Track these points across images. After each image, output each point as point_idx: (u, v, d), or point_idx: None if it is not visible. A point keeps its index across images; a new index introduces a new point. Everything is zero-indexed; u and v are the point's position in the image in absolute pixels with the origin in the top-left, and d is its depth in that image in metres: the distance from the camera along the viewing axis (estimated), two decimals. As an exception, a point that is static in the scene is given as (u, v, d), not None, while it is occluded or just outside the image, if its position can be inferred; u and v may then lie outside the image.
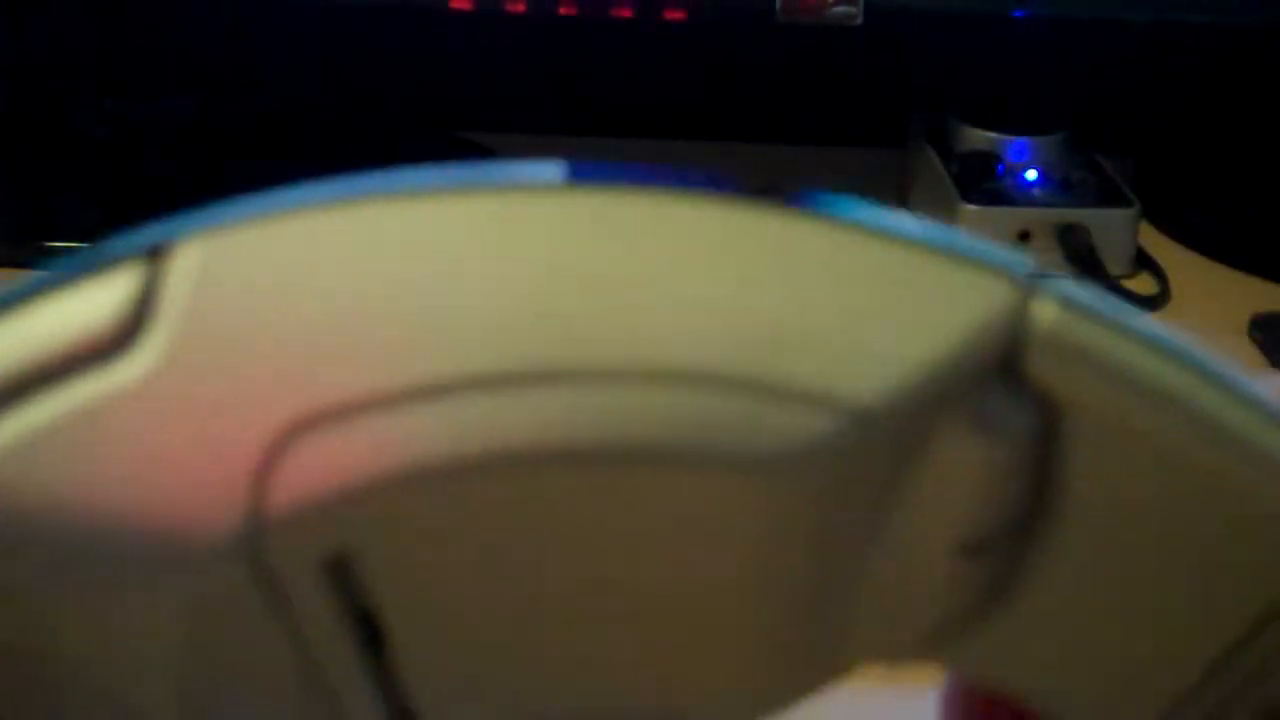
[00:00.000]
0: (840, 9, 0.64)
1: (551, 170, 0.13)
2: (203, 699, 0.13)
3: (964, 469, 0.12)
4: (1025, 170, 0.69)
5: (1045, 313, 0.13)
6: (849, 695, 0.44)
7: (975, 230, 0.66)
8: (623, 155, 0.79)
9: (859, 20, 0.64)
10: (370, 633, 0.13)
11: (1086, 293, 0.13)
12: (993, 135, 0.70)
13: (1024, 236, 0.66)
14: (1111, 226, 0.66)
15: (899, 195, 0.74)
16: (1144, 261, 0.68)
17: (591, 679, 0.14)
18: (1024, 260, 0.13)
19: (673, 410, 0.12)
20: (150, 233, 0.13)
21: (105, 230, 0.59)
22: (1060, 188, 0.68)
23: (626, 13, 0.65)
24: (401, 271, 0.12)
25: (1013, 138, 0.69)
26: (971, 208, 0.66)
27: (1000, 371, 0.13)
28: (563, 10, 0.65)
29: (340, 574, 0.13)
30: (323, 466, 0.12)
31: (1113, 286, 0.65)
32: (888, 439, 0.12)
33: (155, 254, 0.13)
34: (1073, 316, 0.13)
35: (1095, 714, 0.14)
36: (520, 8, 0.65)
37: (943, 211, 0.68)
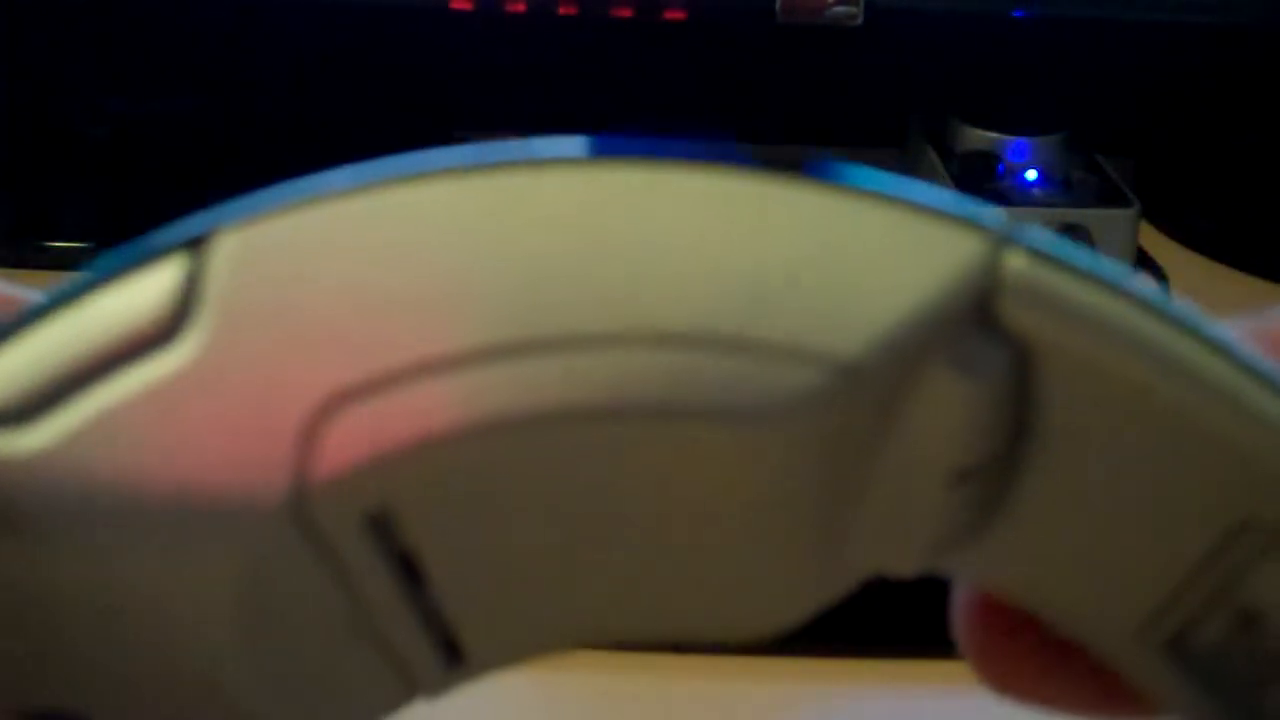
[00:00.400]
0: (840, 9, 0.64)
1: (572, 145, 0.14)
2: (259, 646, 0.14)
3: (947, 404, 0.14)
4: (1025, 170, 0.69)
5: (1016, 262, 0.14)
6: (851, 695, 0.44)
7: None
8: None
9: (859, 20, 0.64)
10: (413, 573, 0.15)
11: (1055, 242, 0.14)
12: (993, 135, 0.70)
13: (1024, 236, 0.66)
14: (1111, 226, 0.66)
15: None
16: (1144, 261, 0.68)
17: (624, 603, 0.15)
18: (996, 213, 0.14)
19: (670, 369, 0.13)
20: (191, 224, 0.14)
21: (105, 230, 0.59)
22: (1060, 188, 0.68)
23: (626, 13, 0.65)
24: (422, 248, 0.14)
25: (1013, 138, 0.69)
26: (971, 208, 0.66)
27: (975, 317, 0.14)
28: (563, 10, 0.65)
29: (382, 524, 0.14)
30: (360, 435, 0.13)
31: (1113, 286, 0.65)
32: (873, 386, 0.14)
33: (196, 244, 0.14)
34: (1041, 265, 0.14)
35: (1086, 615, 0.16)
36: (520, 8, 0.65)
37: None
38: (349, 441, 0.13)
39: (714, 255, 0.14)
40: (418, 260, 0.14)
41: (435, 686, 0.16)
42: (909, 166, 0.73)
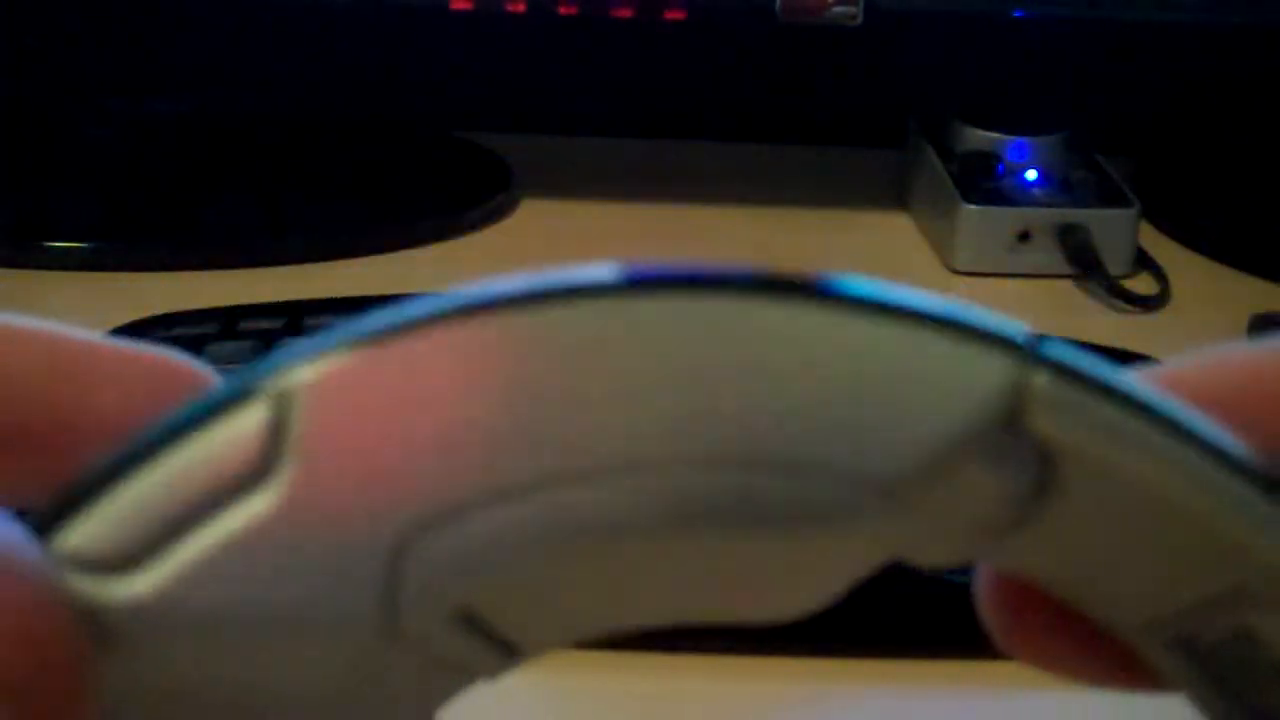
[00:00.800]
0: (840, 9, 0.64)
1: (613, 272, 0.15)
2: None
3: (977, 489, 0.15)
4: (1025, 170, 0.69)
5: (1041, 380, 0.15)
6: (851, 695, 0.44)
7: (975, 230, 0.66)
8: (623, 155, 0.79)
9: (859, 20, 0.64)
10: (485, 631, 0.16)
11: (1074, 355, 0.15)
12: (993, 135, 0.70)
13: (1024, 236, 0.66)
14: (1111, 226, 0.66)
15: (899, 195, 0.74)
16: (1144, 261, 0.68)
17: (668, 596, 0.17)
18: (1021, 328, 0.15)
19: (725, 491, 0.15)
20: (273, 363, 0.15)
21: (105, 230, 0.59)
22: (1060, 188, 0.68)
23: (626, 13, 0.65)
24: (490, 382, 0.15)
25: (1013, 138, 0.69)
26: (971, 208, 0.66)
27: (1005, 426, 0.15)
28: (563, 10, 0.65)
29: (465, 618, 0.16)
30: (441, 560, 0.15)
31: (1113, 286, 0.65)
32: (914, 496, 0.15)
33: (278, 387, 0.15)
34: (1063, 382, 0.15)
35: (1101, 608, 0.17)
36: (520, 8, 0.65)
37: (943, 211, 0.68)
38: (431, 566, 0.15)
39: (760, 384, 0.15)
40: (486, 394, 0.15)
41: (492, 676, 0.17)
42: (909, 166, 0.73)
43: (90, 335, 0.18)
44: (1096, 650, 0.17)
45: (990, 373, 0.15)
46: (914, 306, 0.15)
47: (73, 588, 0.14)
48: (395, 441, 0.15)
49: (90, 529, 0.15)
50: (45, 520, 0.15)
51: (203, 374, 0.18)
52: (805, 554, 0.16)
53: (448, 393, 0.15)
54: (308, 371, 0.15)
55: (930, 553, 0.16)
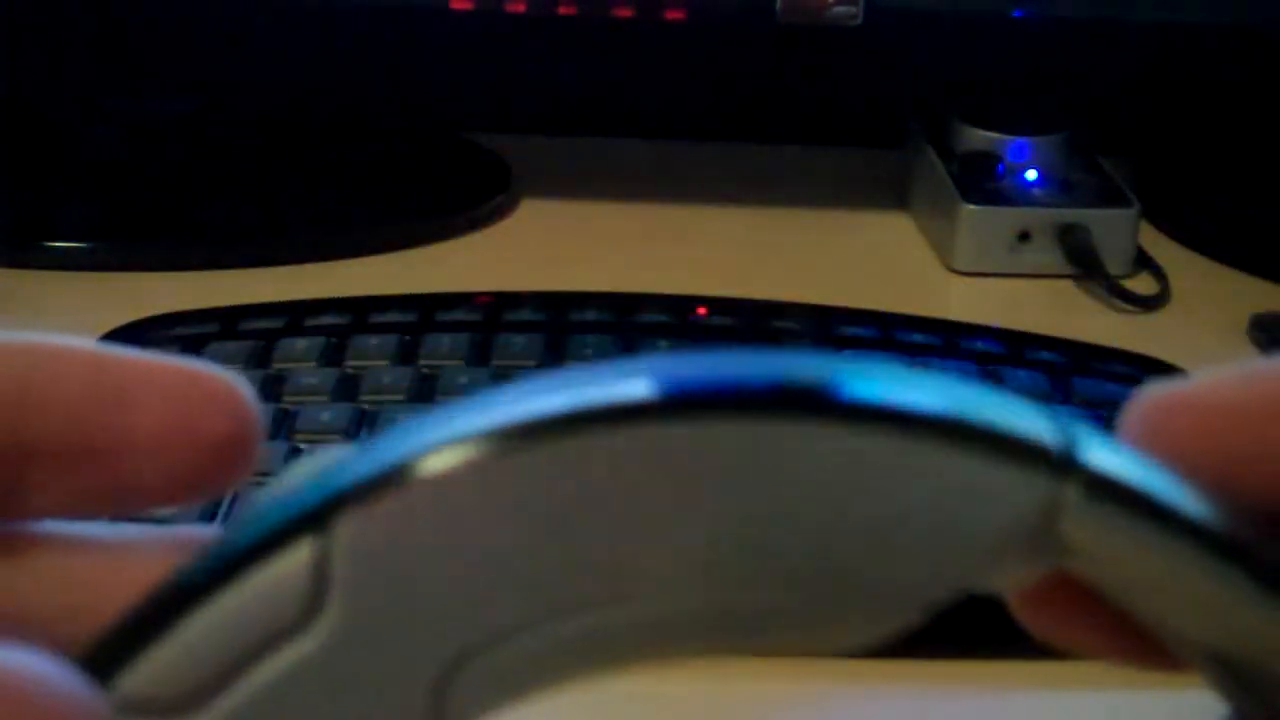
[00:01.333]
0: (840, 9, 0.64)
1: (639, 386, 0.15)
2: None
3: (1006, 569, 0.16)
4: (1025, 170, 0.69)
5: (1073, 495, 0.15)
6: (851, 695, 0.44)
7: (975, 230, 0.66)
8: (623, 155, 0.79)
9: (859, 20, 0.64)
10: None
11: (1109, 457, 0.16)
12: (993, 135, 0.70)
13: (1024, 236, 0.66)
14: (1111, 226, 0.66)
15: (899, 195, 0.74)
16: (1144, 261, 0.68)
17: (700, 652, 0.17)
18: (1053, 429, 0.15)
19: (771, 608, 0.15)
20: (315, 496, 0.15)
21: (105, 230, 0.59)
22: (1060, 188, 0.68)
23: (626, 13, 0.65)
24: (530, 510, 0.15)
25: (1013, 138, 0.69)
26: (971, 208, 0.66)
27: (1039, 528, 0.16)
28: (563, 10, 0.65)
29: None
30: (484, 684, 0.15)
31: (1113, 287, 0.65)
32: (945, 598, 0.16)
33: (319, 527, 0.15)
34: (1097, 497, 0.15)
35: (1134, 612, 0.17)
36: (520, 8, 0.65)
37: (943, 211, 0.68)
38: (474, 690, 0.15)
39: (792, 507, 0.15)
40: (525, 524, 0.15)
41: None
42: (909, 167, 0.73)
43: (128, 352, 0.18)
44: (1124, 634, 0.17)
45: (1024, 490, 0.15)
46: (944, 417, 0.15)
47: None
48: (437, 574, 0.15)
49: (144, 673, 0.15)
50: (98, 662, 0.15)
51: (238, 388, 0.18)
52: (838, 642, 0.16)
53: (486, 523, 0.15)
54: (349, 507, 0.15)
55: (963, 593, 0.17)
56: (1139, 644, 0.17)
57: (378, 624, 0.15)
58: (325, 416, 0.50)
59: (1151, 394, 0.17)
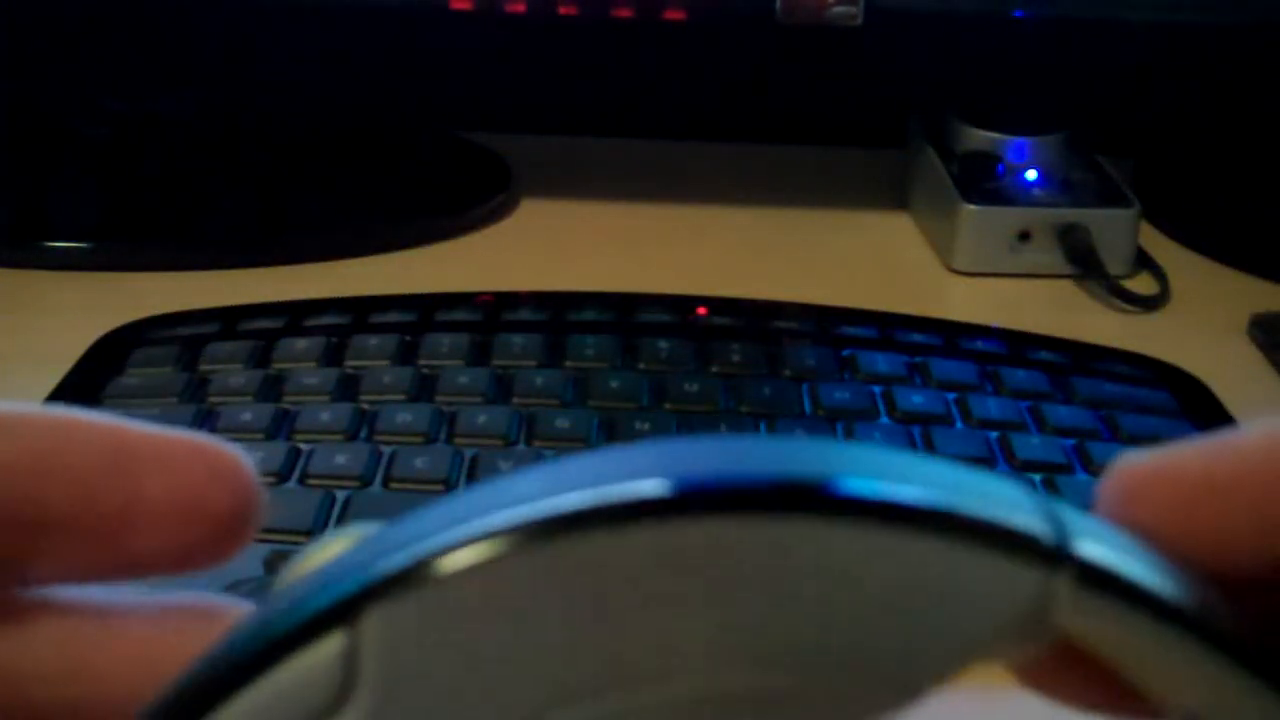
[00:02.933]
0: (840, 9, 0.64)
1: (653, 485, 0.15)
2: None
3: (999, 655, 0.17)
4: (1025, 170, 0.69)
5: (1066, 586, 0.16)
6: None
7: (975, 230, 0.66)
8: (623, 155, 0.79)
9: (859, 20, 0.64)
10: None
11: (1101, 547, 0.16)
12: (993, 135, 0.70)
13: (1024, 236, 0.66)
14: (1111, 226, 0.66)
15: (899, 195, 0.74)
16: (1144, 261, 0.68)
17: None
18: (1047, 518, 0.16)
19: (777, 690, 0.16)
20: (338, 589, 0.15)
21: (105, 230, 0.59)
22: (1060, 188, 0.68)
23: (626, 13, 0.65)
24: (557, 603, 0.15)
25: (1013, 138, 0.69)
26: (971, 208, 0.66)
27: (1030, 619, 0.16)
28: (563, 10, 0.65)
29: None
30: None
31: (1113, 287, 0.65)
32: (939, 684, 0.16)
33: (348, 620, 0.15)
34: (1090, 588, 0.16)
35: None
36: (520, 8, 0.65)
37: (943, 211, 0.68)
38: None
39: (798, 599, 0.15)
40: (550, 616, 0.15)
41: None
42: (909, 166, 0.73)
43: (137, 425, 0.18)
44: (1112, 689, 0.18)
45: (1018, 582, 0.16)
46: (938, 509, 0.16)
47: None
48: (463, 666, 0.15)
49: None
50: None
51: (242, 463, 0.19)
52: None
53: (512, 615, 0.15)
54: (377, 600, 0.15)
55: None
56: (1126, 698, 0.18)
57: (405, 716, 0.15)
58: (325, 416, 0.50)
59: (1126, 465, 0.18)
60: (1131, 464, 0.18)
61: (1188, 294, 0.66)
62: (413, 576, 0.15)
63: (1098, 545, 0.16)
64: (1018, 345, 0.58)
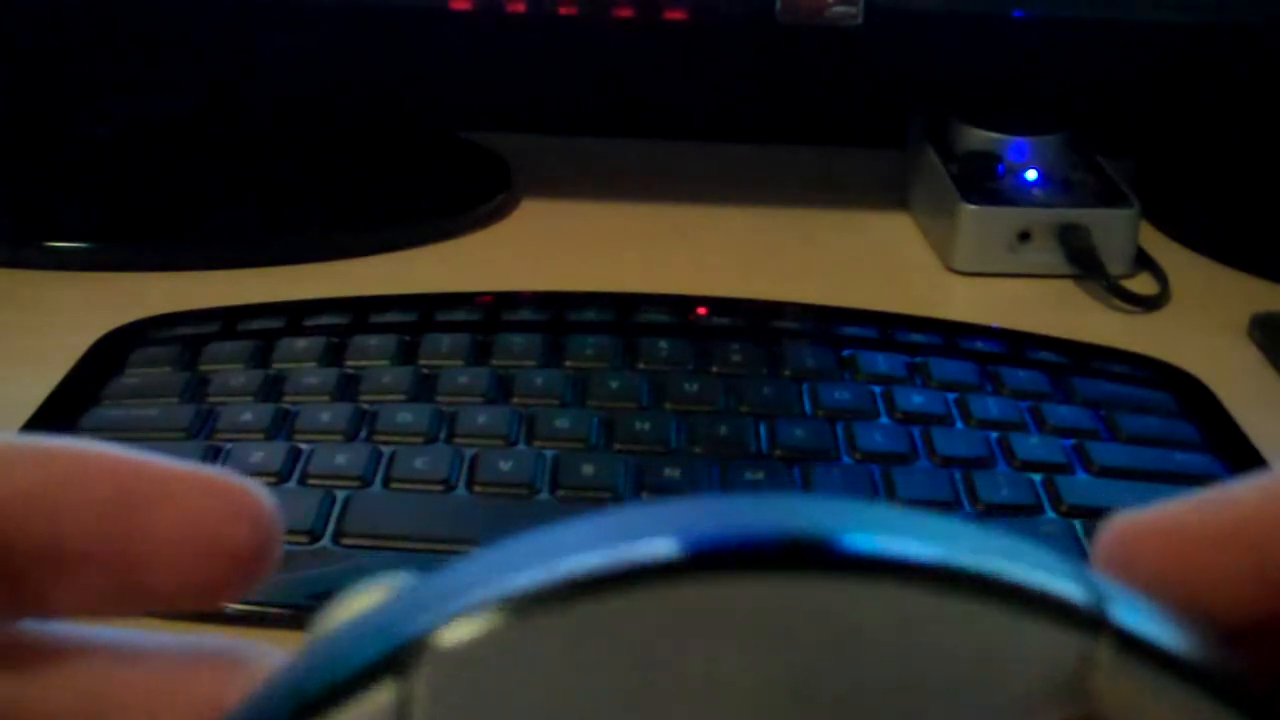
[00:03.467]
0: (840, 9, 0.64)
1: (667, 546, 0.15)
2: None
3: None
4: (1025, 170, 0.69)
5: (1105, 655, 0.16)
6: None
7: (975, 230, 0.66)
8: (623, 155, 0.79)
9: (859, 20, 0.64)
10: None
11: (1136, 614, 0.16)
12: (993, 135, 0.70)
13: (1024, 236, 0.66)
14: (1111, 226, 0.66)
15: (899, 195, 0.74)
16: (1144, 261, 0.68)
17: None
18: (1083, 584, 0.16)
19: None
20: (387, 639, 0.15)
21: (105, 230, 0.59)
22: (1060, 188, 0.68)
23: (626, 13, 0.65)
24: (609, 658, 0.15)
25: (1013, 138, 0.69)
26: (971, 208, 0.66)
27: (1067, 688, 0.16)
28: (563, 10, 0.65)
29: None
30: None
31: (1113, 287, 0.65)
32: None
33: (401, 669, 0.15)
34: (1125, 655, 0.16)
35: None
36: (520, 8, 0.65)
37: (943, 211, 0.68)
38: None
39: (821, 663, 0.15)
40: (593, 673, 0.15)
41: None
42: (909, 166, 0.73)
43: (152, 457, 0.18)
44: None
45: (1058, 646, 0.15)
46: (975, 569, 0.15)
47: None
48: (518, 716, 0.15)
49: None
50: None
51: (259, 498, 0.18)
52: None
53: (556, 672, 0.15)
54: (430, 651, 0.15)
55: None
56: None
57: None
58: (325, 416, 0.50)
59: (1121, 522, 0.18)
60: (1128, 521, 0.18)
61: (1188, 294, 0.66)
62: (468, 628, 0.15)
63: (1133, 611, 0.16)
64: (1018, 345, 0.58)
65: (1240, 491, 0.18)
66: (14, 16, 0.78)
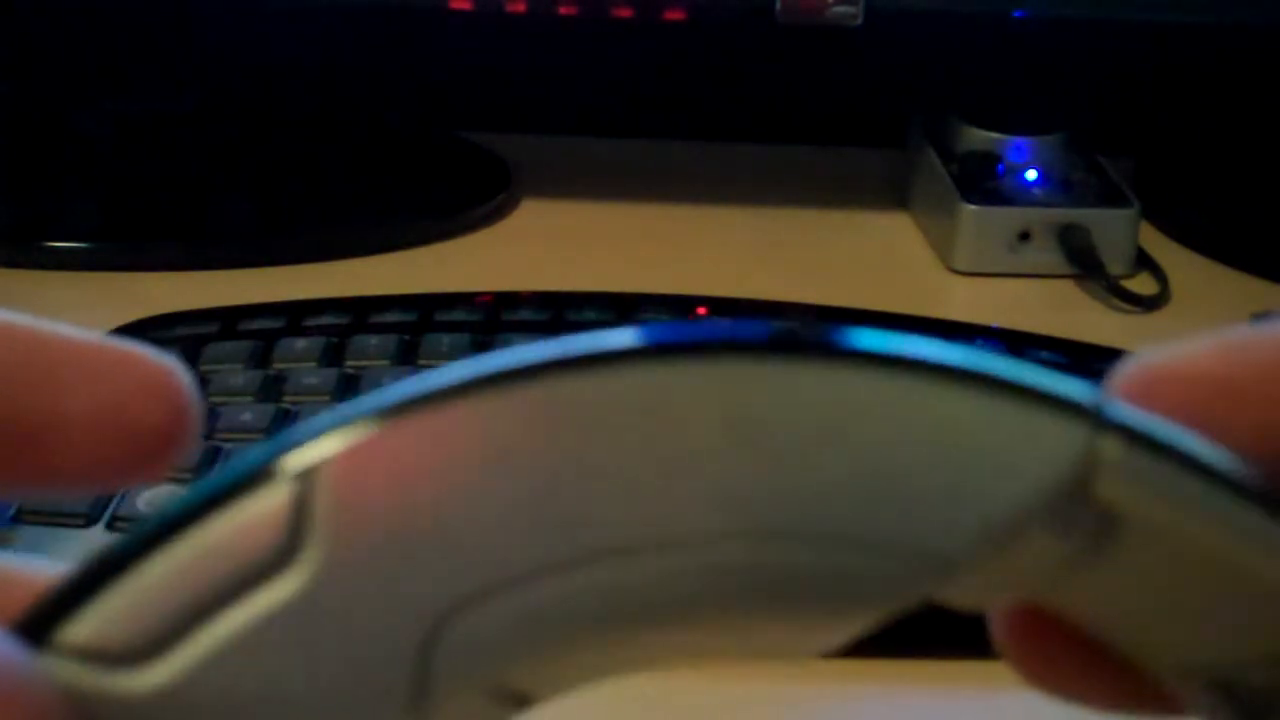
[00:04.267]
0: (840, 9, 0.64)
1: (627, 337, 0.14)
2: None
3: (1036, 548, 0.15)
4: (1025, 170, 0.69)
5: (1111, 448, 0.15)
6: (851, 695, 0.44)
7: (975, 230, 0.66)
8: (623, 155, 0.79)
9: (859, 20, 0.64)
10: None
11: (1143, 418, 0.15)
12: (993, 135, 0.70)
13: (1024, 236, 0.66)
14: (1111, 226, 0.66)
15: (899, 195, 0.74)
16: (1144, 261, 0.68)
17: (699, 652, 0.16)
18: (1088, 392, 0.15)
19: (778, 566, 0.14)
20: (293, 438, 0.14)
21: (105, 230, 0.59)
22: (1060, 188, 0.68)
23: (626, 13, 0.65)
24: (521, 456, 0.14)
25: (1013, 138, 0.69)
26: (971, 208, 0.66)
27: (1071, 493, 0.15)
28: (563, 10, 0.65)
29: (500, 694, 0.15)
30: (478, 642, 0.14)
31: (1113, 287, 0.65)
32: (974, 567, 0.15)
33: (300, 464, 0.14)
34: (1136, 449, 0.15)
35: (1139, 651, 0.17)
36: (520, 8, 0.65)
37: (943, 211, 0.68)
38: (465, 648, 0.14)
39: (810, 455, 0.14)
40: (520, 468, 0.14)
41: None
42: (909, 166, 0.73)
43: (63, 329, 0.17)
44: (1115, 676, 0.17)
45: (1061, 442, 0.14)
46: (974, 365, 0.14)
47: (79, 684, 0.14)
48: (425, 520, 0.14)
49: (98, 620, 0.14)
50: (48, 612, 0.14)
51: (174, 374, 0.17)
52: (847, 616, 0.15)
53: (479, 467, 0.14)
54: (331, 447, 0.14)
55: (971, 599, 0.16)
56: (1130, 684, 0.17)
57: (361, 570, 0.14)
58: (325, 416, 0.50)
59: (1137, 364, 0.17)
60: (1144, 363, 0.17)
61: (1188, 294, 0.66)
62: (377, 422, 0.14)
63: (1137, 413, 0.15)
64: (1018, 345, 0.58)
65: (1259, 337, 0.17)
66: (14, 16, 0.78)
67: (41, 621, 0.14)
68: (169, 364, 0.17)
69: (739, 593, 0.14)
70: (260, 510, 0.14)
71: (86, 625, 0.14)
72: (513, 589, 0.14)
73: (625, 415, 0.14)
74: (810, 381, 0.14)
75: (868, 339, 0.15)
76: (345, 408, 0.14)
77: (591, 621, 0.14)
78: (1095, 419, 0.15)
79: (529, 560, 0.14)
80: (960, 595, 0.16)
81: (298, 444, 0.14)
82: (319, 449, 0.14)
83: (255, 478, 0.14)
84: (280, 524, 0.14)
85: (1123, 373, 0.17)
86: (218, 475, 0.14)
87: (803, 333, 0.14)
